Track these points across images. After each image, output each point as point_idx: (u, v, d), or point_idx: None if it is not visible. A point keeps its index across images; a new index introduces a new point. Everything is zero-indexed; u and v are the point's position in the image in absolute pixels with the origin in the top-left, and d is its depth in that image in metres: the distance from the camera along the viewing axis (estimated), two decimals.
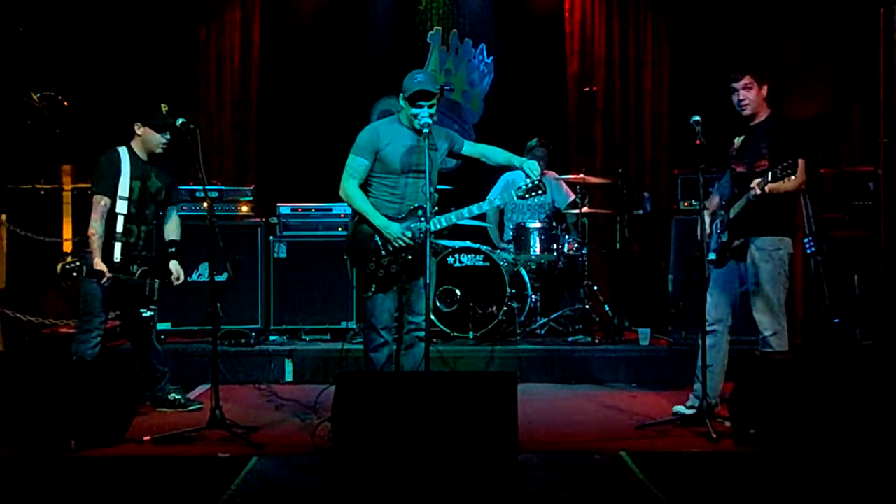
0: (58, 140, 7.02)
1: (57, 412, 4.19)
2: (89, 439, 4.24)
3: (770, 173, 4.38)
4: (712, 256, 4.85)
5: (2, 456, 4.13)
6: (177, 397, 5.14)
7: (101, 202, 4.74)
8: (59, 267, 4.49)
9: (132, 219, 4.82)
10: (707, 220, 4.84)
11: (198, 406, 5.12)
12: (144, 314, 4.87)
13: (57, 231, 6.88)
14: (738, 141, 4.82)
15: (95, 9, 7.31)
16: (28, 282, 6.85)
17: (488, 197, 4.62)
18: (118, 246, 4.73)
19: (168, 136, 4.86)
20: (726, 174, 4.97)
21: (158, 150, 4.88)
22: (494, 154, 4.77)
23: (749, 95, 4.67)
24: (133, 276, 4.78)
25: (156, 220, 5.04)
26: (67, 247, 7.15)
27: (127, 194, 4.78)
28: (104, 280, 4.59)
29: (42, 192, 7.05)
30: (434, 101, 4.47)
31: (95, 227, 4.70)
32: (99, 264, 4.60)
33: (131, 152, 4.86)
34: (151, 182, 4.91)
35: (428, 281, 4.25)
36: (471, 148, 4.80)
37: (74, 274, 4.50)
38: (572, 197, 6.97)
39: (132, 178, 4.80)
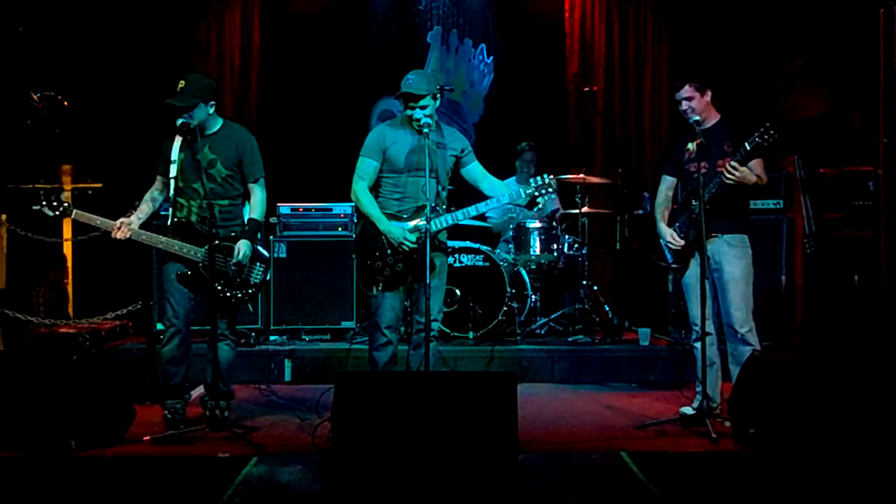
0: (58, 140, 7.02)
1: (57, 412, 4.19)
2: (89, 439, 4.25)
3: (746, 143, 4.41)
4: (670, 259, 4.92)
5: (2, 456, 4.13)
6: (176, 406, 4.74)
7: (156, 179, 4.79)
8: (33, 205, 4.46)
9: (181, 191, 4.66)
10: (663, 227, 4.92)
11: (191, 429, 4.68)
12: (227, 293, 4.61)
13: (57, 231, 6.87)
14: (692, 145, 4.84)
15: (95, 8, 7.31)
16: (28, 282, 6.85)
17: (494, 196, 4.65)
18: (170, 211, 4.71)
19: (182, 116, 4.60)
20: (663, 182, 5.01)
21: (177, 123, 4.61)
22: (492, 188, 4.72)
23: (692, 104, 4.76)
24: (184, 244, 4.59)
25: (223, 199, 4.72)
26: (67, 247, 7.15)
27: (175, 158, 4.65)
28: (115, 233, 4.50)
29: (42, 192, 7.05)
30: (425, 102, 4.50)
31: (144, 196, 4.77)
32: (118, 221, 4.54)
33: None
34: (202, 154, 4.62)
35: (429, 281, 4.27)
36: (476, 173, 4.77)
37: (49, 211, 4.41)
38: (557, 205, 7.06)
39: (180, 150, 4.66)
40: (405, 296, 4.66)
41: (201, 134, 4.63)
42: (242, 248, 4.66)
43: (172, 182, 4.64)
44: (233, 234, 4.73)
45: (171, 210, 4.70)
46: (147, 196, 4.79)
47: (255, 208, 4.81)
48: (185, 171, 4.66)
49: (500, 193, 4.61)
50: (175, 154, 4.65)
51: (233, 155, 4.73)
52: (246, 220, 4.82)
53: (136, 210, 4.72)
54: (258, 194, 4.82)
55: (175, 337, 4.64)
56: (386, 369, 4.57)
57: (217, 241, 4.57)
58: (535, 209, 4.67)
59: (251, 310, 5.09)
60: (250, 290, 4.73)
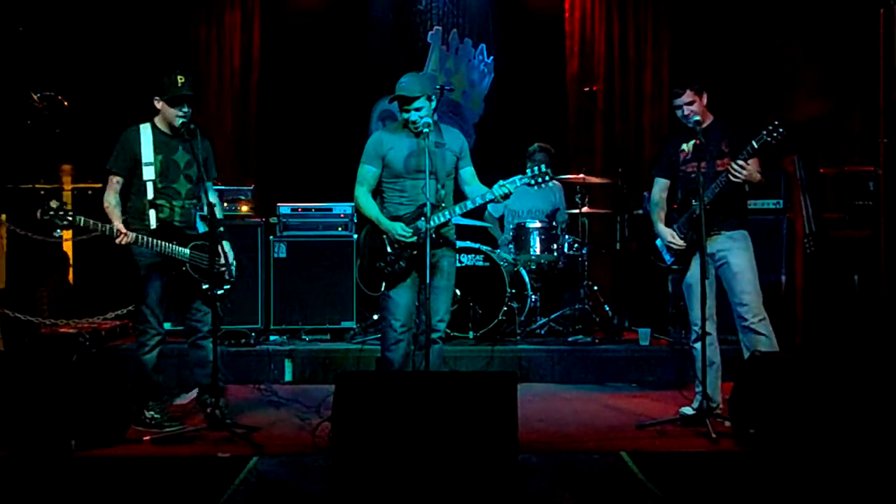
0: (58, 140, 7.02)
1: (57, 412, 4.19)
2: (89, 439, 4.25)
3: (753, 141, 4.42)
4: (669, 260, 4.93)
5: (2, 456, 4.13)
6: (155, 416, 4.71)
7: (113, 179, 4.68)
8: (38, 213, 4.33)
9: (161, 193, 4.66)
10: (662, 228, 4.92)
11: (178, 427, 4.68)
12: (213, 290, 4.60)
13: None
14: (687, 146, 4.85)
15: (95, 9, 7.31)
16: (29, 282, 6.85)
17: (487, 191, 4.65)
18: (152, 213, 4.63)
19: (185, 109, 4.65)
20: (657, 184, 5.01)
21: (177, 123, 4.65)
22: (471, 192, 4.70)
23: (693, 108, 4.76)
24: (174, 245, 4.59)
25: (194, 198, 4.81)
26: (68, 247, 7.16)
27: (151, 160, 4.63)
28: (121, 238, 4.44)
29: (42, 192, 7.05)
30: (419, 104, 4.50)
31: (108, 200, 4.64)
32: (119, 227, 4.47)
33: (154, 127, 4.71)
34: (179, 155, 4.71)
35: (429, 280, 4.30)
36: (464, 177, 4.76)
37: (58, 221, 4.31)
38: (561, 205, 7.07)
39: (154, 152, 4.66)
40: (415, 295, 4.66)
41: (181, 133, 4.71)
42: (228, 249, 4.85)
43: (150, 185, 4.64)
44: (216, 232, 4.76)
45: (150, 212, 4.63)
46: (112, 200, 4.64)
47: (217, 208, 4.89)
48: (166, 171, 4.70)
49: (478, 194, 4.60)
50: (149, 155, 4.66)
51: (200, 155, 4.75)
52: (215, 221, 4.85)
53: (114, 218, 4.59)
54: (214, 194, 4.97)
55: (159, 346, 4.75)
56: (400, 369, 4.59)
57: (201, 241, 4.71)
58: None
59: (227, 306, 5.09)
60: (227, 287, 4.81)
